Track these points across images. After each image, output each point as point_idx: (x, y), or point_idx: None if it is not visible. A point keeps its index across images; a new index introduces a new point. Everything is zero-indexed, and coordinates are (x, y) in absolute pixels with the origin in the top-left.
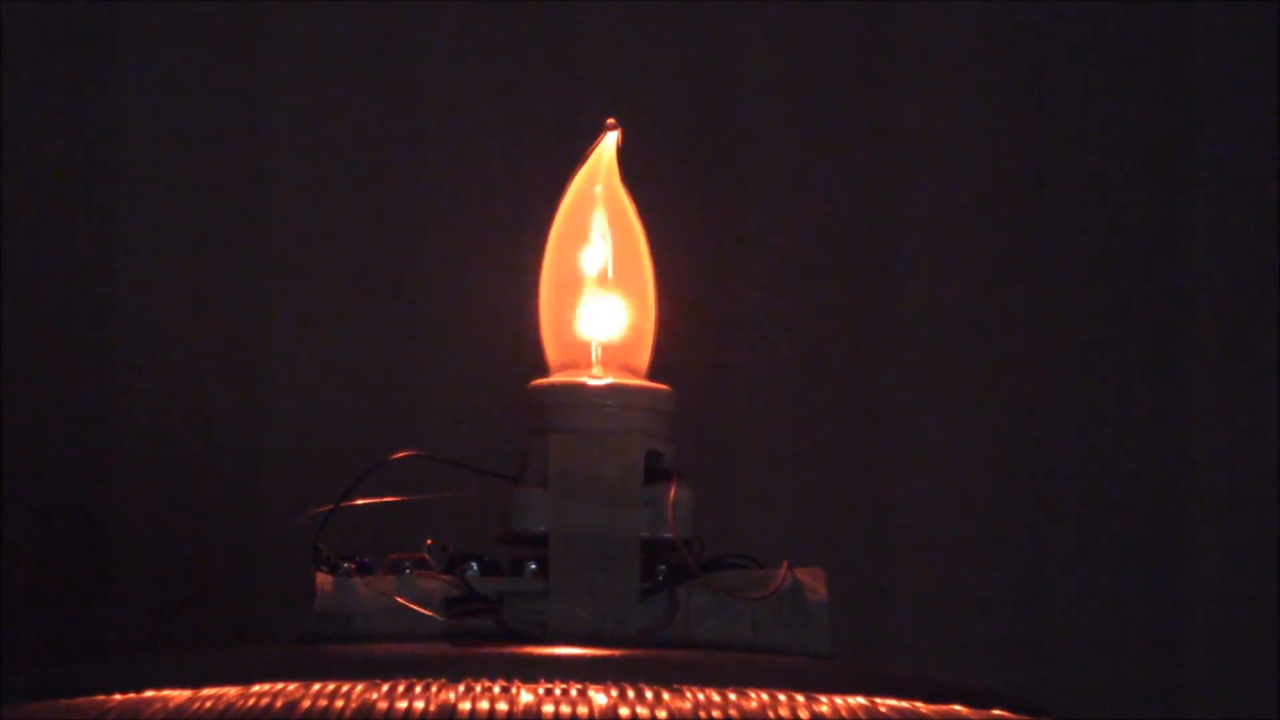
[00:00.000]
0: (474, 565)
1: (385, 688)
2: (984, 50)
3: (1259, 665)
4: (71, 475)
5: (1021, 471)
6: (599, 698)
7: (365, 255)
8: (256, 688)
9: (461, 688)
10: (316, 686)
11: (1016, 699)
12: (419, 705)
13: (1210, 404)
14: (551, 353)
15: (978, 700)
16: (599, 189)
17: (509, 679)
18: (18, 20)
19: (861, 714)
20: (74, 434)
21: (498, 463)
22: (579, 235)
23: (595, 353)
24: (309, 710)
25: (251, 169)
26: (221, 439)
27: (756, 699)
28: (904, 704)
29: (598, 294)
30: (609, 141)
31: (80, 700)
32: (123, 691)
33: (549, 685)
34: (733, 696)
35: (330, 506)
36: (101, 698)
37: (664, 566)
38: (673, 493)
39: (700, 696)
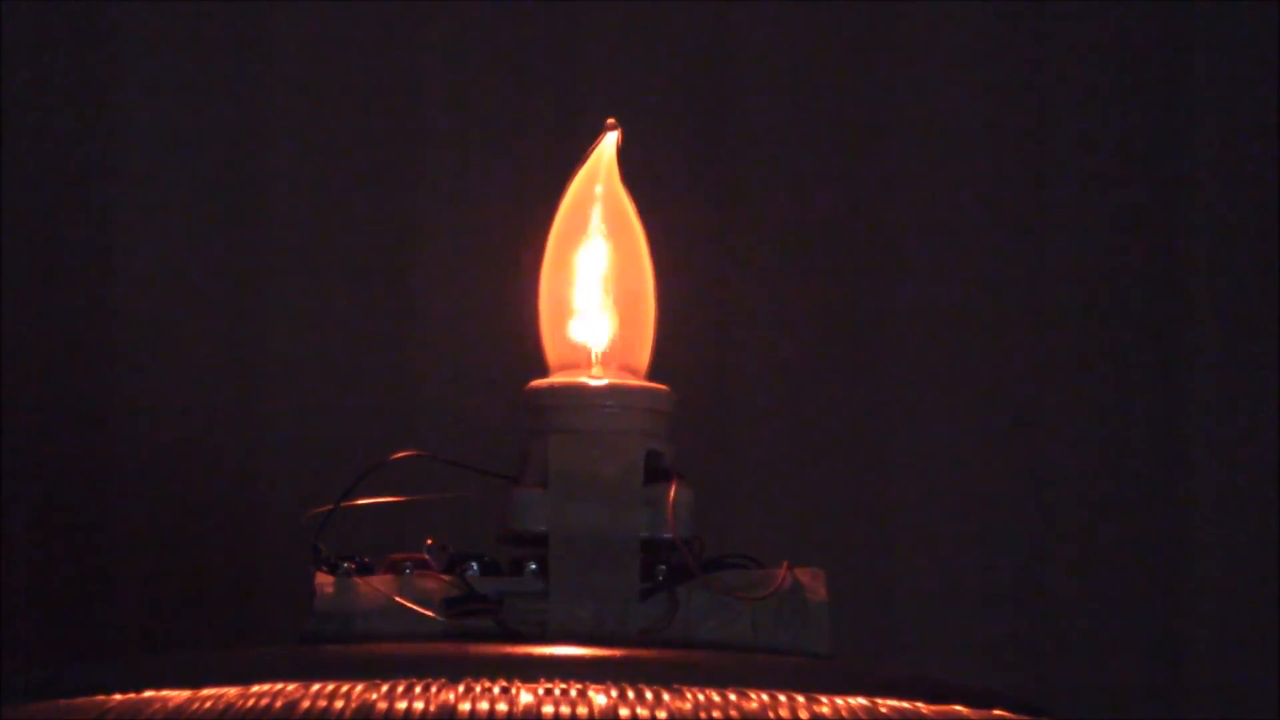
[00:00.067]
0: (474, 565)
1: (385, 688)
2: (984, 50)
3: (1259, 665)
4: (71, 475)
5: (1021, 471)
6: (599, 698)
7: (365, 255)
8: (256, 688)
9: (461, 688)
10: (316, 686)
11: (1016, 699)
12: (419, 705)
13: (1210, 404)
14: (551, 353)
15: (978, 700)
16: (599, 189)
17: (509, 679)
18: (18, 20)
19: (861, 714)
20: (74, 434)
21: (498, 463)
22: (579, 235)
23: (595, 353)
24: (309, 710)
25: (251, 169)
26: (221, 439)
27: (756, 699)
28: (904, 704)
29: (598, 294)
30: (609, 141)
31: (80, 700)
32: (123, 691)
33: (549, 685)
34: (733, 696)
35: (330, 506)
36: (101, 698)
37: (664, 566)
38: (673, 493)
39: (700, 696)
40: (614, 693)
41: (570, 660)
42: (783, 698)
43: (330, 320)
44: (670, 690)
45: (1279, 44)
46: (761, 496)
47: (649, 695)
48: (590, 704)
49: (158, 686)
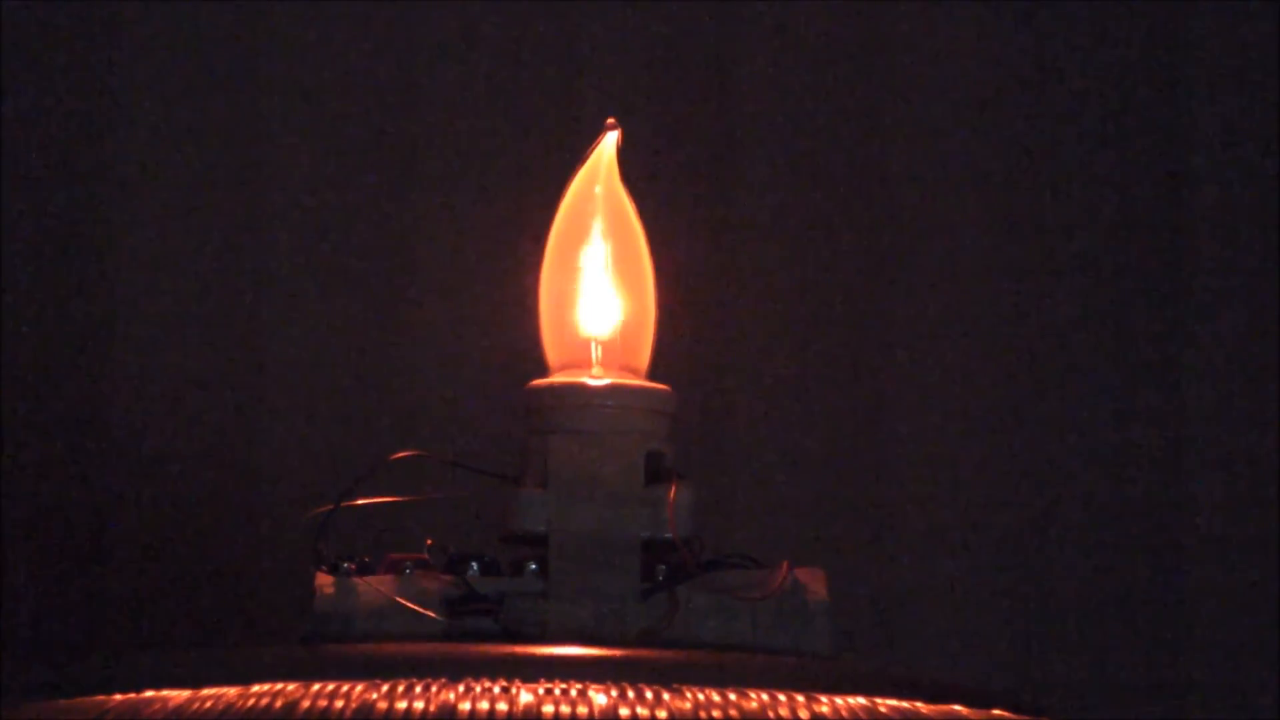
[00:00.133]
0: (474, 565)
1: (385, 688)
2: (984, 50)
3: (1259, 665)
4: (71, 475)
5: (1021, 471)
6: (599, 698)
7: (365, 255)
8: (256, 688)
9: (461, 688)
10: (316, 686)
11: (1016, 699)
12: (419, 705)
13: (1210, 404)
14: (551, 353)
15: (978, 700)
16: (599, 189)
17: (509, 679)
18: (18, 20)
19: (861, 714)
20: (74, 434)
21: (497, 463)
22: (579, 235)
23: (595, 353)
24: (309, 710)
25: (251, 169)
26: (221, 439)
27: (756, 699)
28: (904, 704)
29: (598, 294)
30: (609, 141)
31: (80, 700)
32: (123, 691)
33: (549, 685)
34: (733, 696)
35: (330, 506)
36: (101, 698)
37: (664, 566)
38: (673, 493)
39: (700, 696)
40: (614, 693)
41: (570, 660)
42: (783, 698)
43: (330, 320)
44: (670, 690)
45: (1279, 44)
46: (761, 496)
47: (649, 695)
48: (590, 704)
49: (158, 686)
